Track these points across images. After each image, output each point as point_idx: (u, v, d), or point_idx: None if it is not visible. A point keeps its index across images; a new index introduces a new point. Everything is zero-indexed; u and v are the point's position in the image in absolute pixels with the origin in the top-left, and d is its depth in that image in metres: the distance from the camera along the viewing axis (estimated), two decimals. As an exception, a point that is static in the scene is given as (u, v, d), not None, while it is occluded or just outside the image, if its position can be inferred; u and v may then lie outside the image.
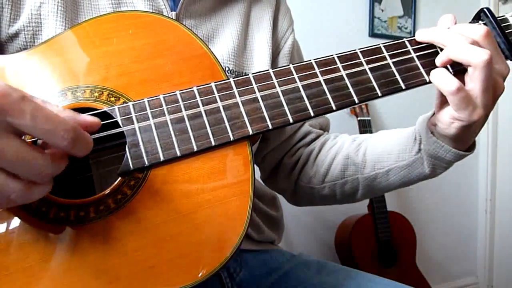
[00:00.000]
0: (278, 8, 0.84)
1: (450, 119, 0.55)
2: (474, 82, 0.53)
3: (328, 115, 0.88)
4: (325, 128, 0.88)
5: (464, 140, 0.59)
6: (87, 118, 0.41)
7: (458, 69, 0.55)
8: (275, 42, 0.81)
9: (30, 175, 0.37)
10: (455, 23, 0.58)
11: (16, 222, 0.44)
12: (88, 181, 0.53)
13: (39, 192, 0.39)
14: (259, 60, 0.77)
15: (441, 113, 0.57)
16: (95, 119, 0.42)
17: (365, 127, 1.84)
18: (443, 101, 0.57)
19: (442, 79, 0.53)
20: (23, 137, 0.37)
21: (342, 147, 0.79)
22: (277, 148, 0.84)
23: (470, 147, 0.62)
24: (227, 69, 0.72)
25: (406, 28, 2.13)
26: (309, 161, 0.82)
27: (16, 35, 0.61)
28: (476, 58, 0.51)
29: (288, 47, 0.83)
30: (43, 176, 0.38)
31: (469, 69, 0.53)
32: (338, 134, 0.84)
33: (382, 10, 2.07)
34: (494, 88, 0.55)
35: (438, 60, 0.56)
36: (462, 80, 0.54)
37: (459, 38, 0.54)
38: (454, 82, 0.52)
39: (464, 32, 0.55)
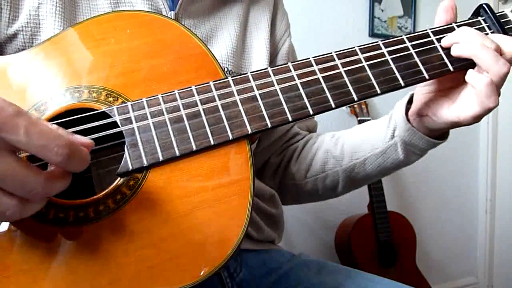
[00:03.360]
0: (276, 11, 0.85)
1: (455, 119, 0.58)
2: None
3: (328, 115, 0.89)
4: (312, 130, 0.91)
5: (440, 132, 0.64)
6: (81, 139, 0.40)
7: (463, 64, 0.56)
8: (273, 43, 0.82)
9: (22, 192, 0.36)
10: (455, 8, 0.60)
11: (15, 223, 0.43)
12: (87, 182, 0.53)
13: (32, 209, 0.38)
14: (257, 61, 0.78)
15: (444, 112, 0.60)
16: (89, 140, 0.41)
17: (365, 127, 1.83)
18: (440, 96, 0.60)
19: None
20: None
21: (322, 142, 0.82)
22: (266, 149, 0.86)
23: (442, 136, 0.66)
24: (226, 70, 0.72)
25: (406, 28, 2.13)
26: (293, 159, 0.85)
27: (14, 36, 0.61)
28: (498, 68, 0.53)
29: (286, 49, 0.84)
30: (34, 195, 0.37)
31: (484, 73, 0.54)
32: (321, 133, 0.87)
33: (382, 10, 2.07)
34: None
35: (454, 51, 0.56)
36: (462, 75, 0.56)
37: (481, 39, 0.55)
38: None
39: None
